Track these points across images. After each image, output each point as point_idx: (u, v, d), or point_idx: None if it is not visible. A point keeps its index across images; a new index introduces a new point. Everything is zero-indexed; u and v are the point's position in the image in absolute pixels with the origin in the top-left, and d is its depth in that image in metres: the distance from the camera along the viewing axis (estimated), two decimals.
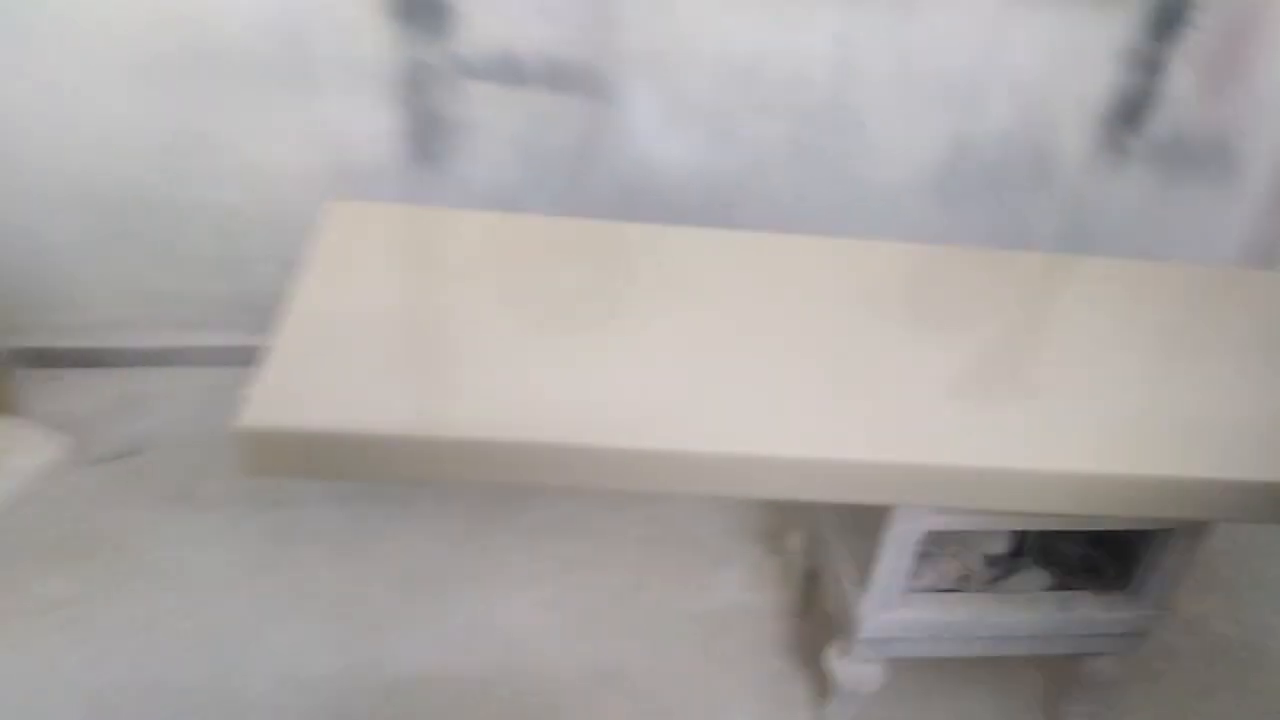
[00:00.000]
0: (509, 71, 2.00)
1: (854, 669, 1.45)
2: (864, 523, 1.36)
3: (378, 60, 1.92)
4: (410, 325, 1.23)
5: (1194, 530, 1.33)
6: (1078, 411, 1.26)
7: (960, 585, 1.43)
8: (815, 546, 1.62)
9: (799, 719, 1.59)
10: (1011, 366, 1.36)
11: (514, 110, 2.05)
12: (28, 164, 1.91)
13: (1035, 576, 1.46)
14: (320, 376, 1.08)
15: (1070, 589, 1.45)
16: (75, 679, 1.50)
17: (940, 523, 1.29)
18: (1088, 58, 2.13)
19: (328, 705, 1.50)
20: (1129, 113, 2.21)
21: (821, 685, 1.56)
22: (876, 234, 2.24)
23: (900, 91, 2.12)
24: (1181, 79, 2.16)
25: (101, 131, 1.91)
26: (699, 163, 2.17)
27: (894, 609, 1.37)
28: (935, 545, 1.41)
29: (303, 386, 1.07)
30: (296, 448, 1.02)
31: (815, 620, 1.71)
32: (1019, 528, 1.36)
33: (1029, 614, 1.41)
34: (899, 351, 1.31)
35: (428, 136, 2.05)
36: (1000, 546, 1.46)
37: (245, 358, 2.10)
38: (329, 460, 1.04)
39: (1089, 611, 1.42)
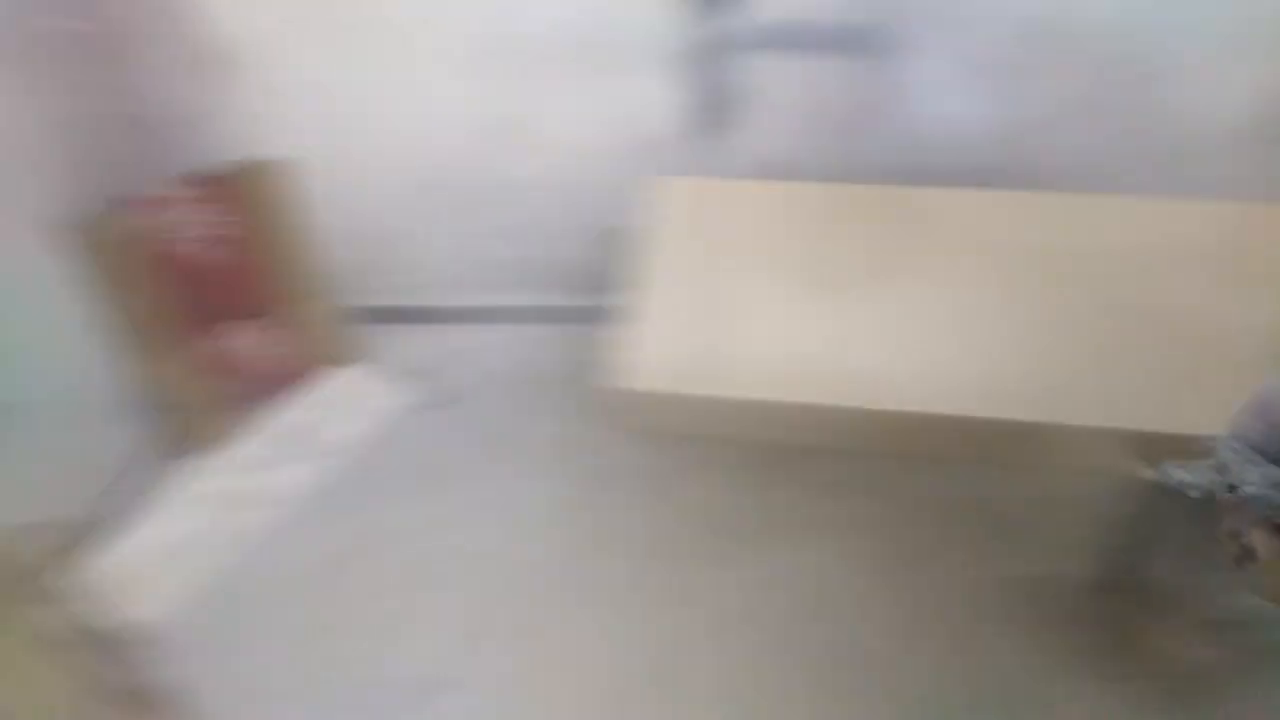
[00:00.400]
0: (796, 38, 2.06)
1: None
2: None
3: (669, 39, 2.04)
4: (751, 299, 1.33)
5: None
6: None
7: None
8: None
9: (1115, 695, 1.58)
10: None
11: (800, 76, 2.11)
12: (376, 150, 2.20)
13: None
14: (681, 346, 1.21)
15: None
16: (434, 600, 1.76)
17: None
18: None
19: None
20: None
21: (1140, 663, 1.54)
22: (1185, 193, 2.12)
23: (1206, 41, 1.98)
24: None
25: (434, 118, 2.17)
26: (990, 121, 2.13)
27: None
28: None
29: (670, 352, 1.20)
30: (667, 407, 1.15)
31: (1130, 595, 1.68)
32: None
33: None
34: (1214, 314, 1.25)
35: (716, 108, 2.15)
36: None
37: (554, 316, 2.36)
38: (695, 419, 1.16)
39: None
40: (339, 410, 2.12)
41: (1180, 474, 1.26)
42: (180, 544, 1.80)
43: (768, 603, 1.72)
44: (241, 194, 1.98)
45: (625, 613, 1.72)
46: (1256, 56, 2.00)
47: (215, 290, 2.00)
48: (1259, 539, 1.24)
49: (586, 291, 2.25)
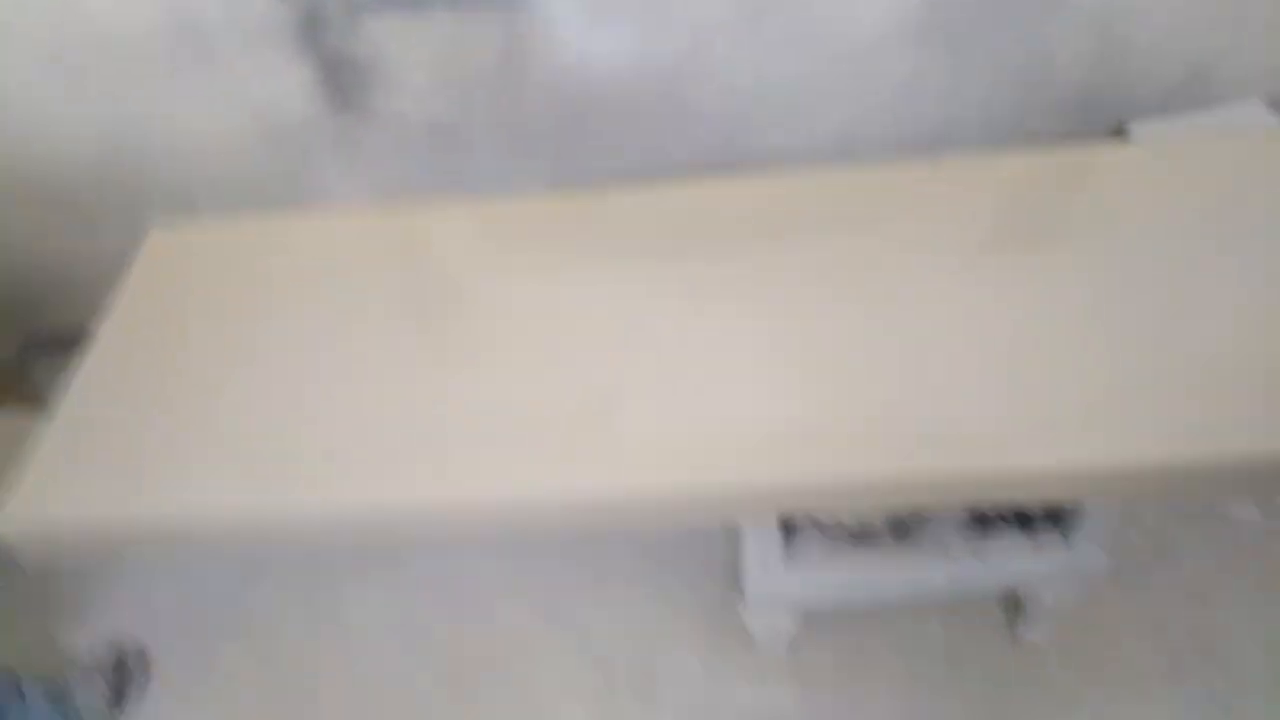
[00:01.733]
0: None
1: (760, 620, 1.41)
2: None
3: (270, 16, 1.84)
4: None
5: None
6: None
7: (864, 534, 1.33)
8: None
9: (737, 647, 1.56)
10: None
11: (425, 38, 1.93)
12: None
13: (951, 522, 1.33)
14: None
15: (993, 532, 1.32)
16: None
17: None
18: None
19: None
20: None
21: None
22: (858, 102, 2.00)
23: None
24: None
25: (46, 133, 1.97)
26: (637, 56, 1.97)
27: (776, 572, 1.30)
28: None
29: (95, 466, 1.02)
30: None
31: None
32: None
33: (937, 564, 1.30)
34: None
35: (342, 83, 1.97)
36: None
37: None
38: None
39: (1007, 557, 1.29)
40: None
41: None
42: None
43: None
44: None
45: None
46: None
47: None
48: None
49: None
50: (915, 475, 0.89)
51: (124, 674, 1.62)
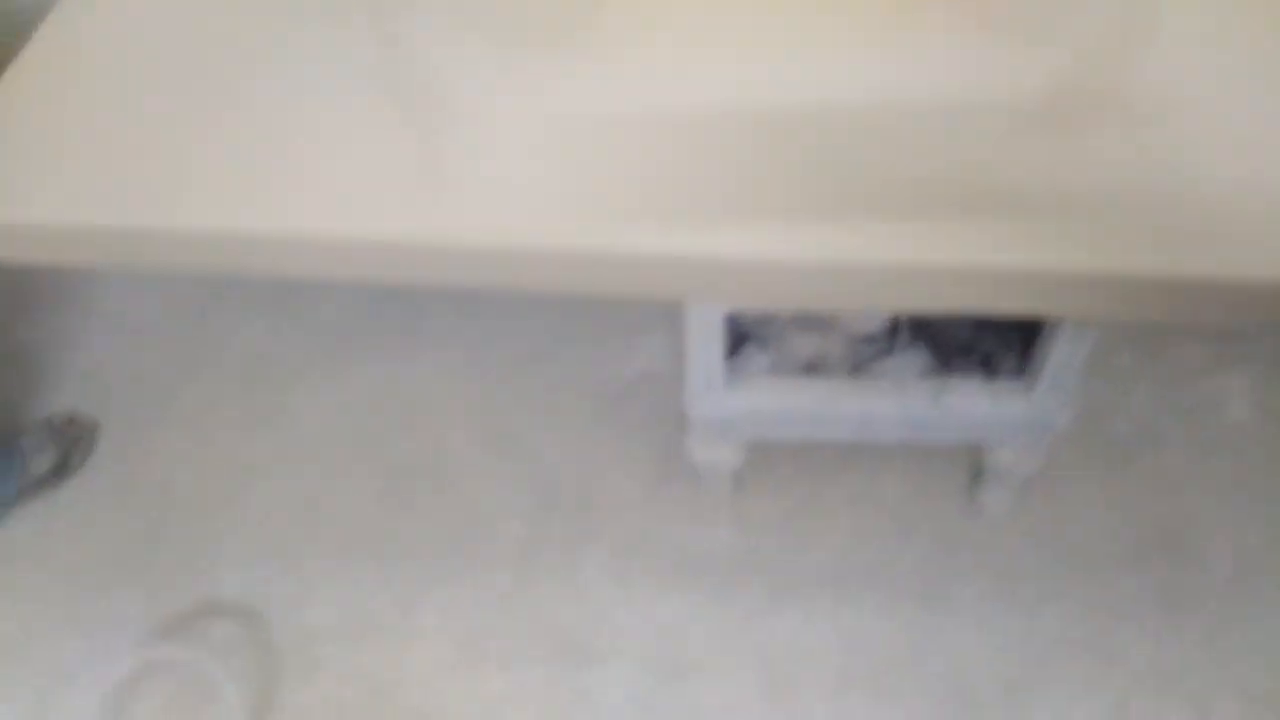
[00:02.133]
0: None
1: (702, 449, 1.35)
2: None
3: None
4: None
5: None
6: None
7: (816, 365, 1.26)
8: None
9: (681, 486, 1.51)
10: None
11: None
12: None
13: (913, 359, 1.25)
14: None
15: (954, 374, 1.23)
16: None
17: (743, 304, 1.11)
18: None
19: None
20: None
21: None
22: None
23: None
24: None
25: None
26: None
27: (718, 394, 1.23)
28: (788, 321, 1.23)
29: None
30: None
31: None
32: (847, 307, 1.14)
33: (891, 402, 1.22)
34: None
35: None
36: (873, 325, 1.25)
37: None
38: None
39: (965, 402, 1.21)
40: None
41: None
42: None
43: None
44: None
45: None
46: None
47: None
48: None
49: None
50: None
51: (72, 445, 1.61)
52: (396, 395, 1.68)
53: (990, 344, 1.21)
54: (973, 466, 1.46)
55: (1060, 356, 1.12)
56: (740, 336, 1.24)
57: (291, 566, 1.48)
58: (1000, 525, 1.44)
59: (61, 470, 1.58)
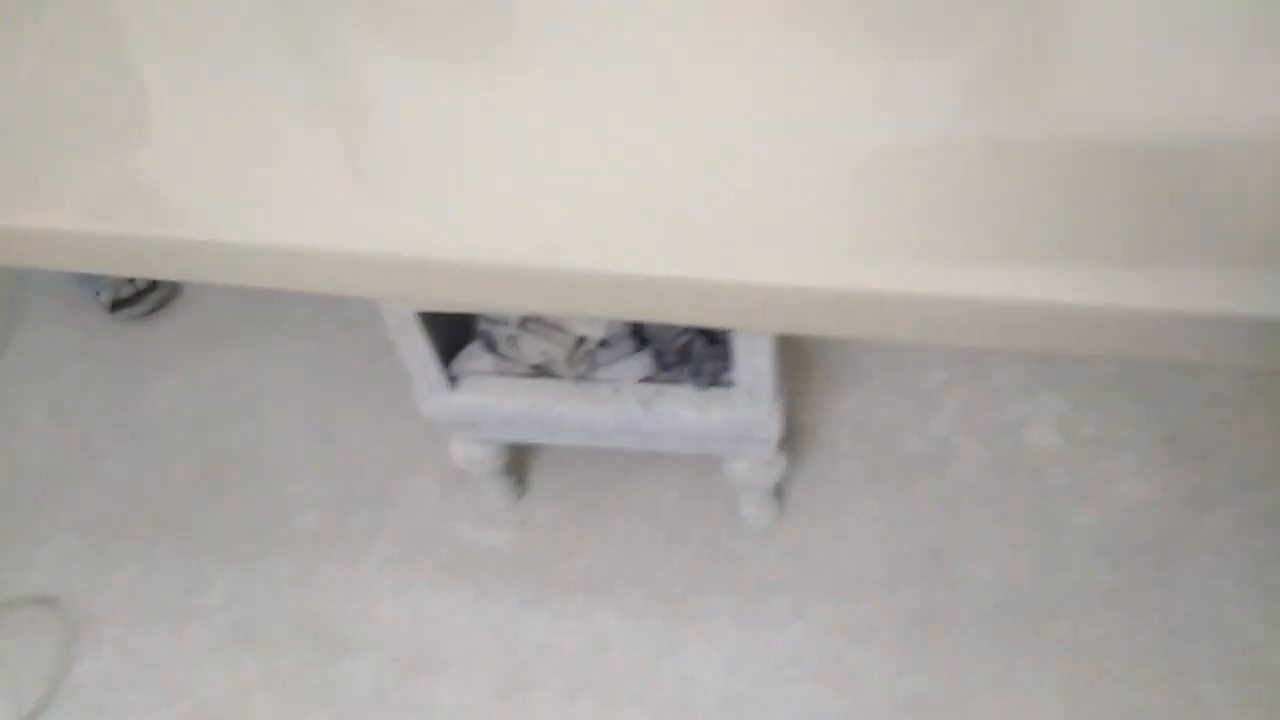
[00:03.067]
0: None
1: (458, 447, 1.38)
2: None
3: None
4: None
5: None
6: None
7: (543, 370, 1.27)
8: None
9: (471, 490, 1.54)
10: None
11: None
12: None
13: (636, 364, 1.25)
14: None
15: (669, 382, 1.23)
16: None
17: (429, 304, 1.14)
18: None
19: None
20: None
21: None
22: None
23: None
24: None
25: None
26: None
27: (441, 394, 1.26)
28: (513, 324, 1.25)
29: None
30: None
31: None
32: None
33: (608, 407, 1.23)
34: None
35: None
36: (595, 330, 1.26)
37: None
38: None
39: (674, 408, 1.21)
40: None
41: None
42: None
43: None
44: None
45: None
46: None
47: None
48: None
49: None
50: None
51: None
52: (241, 384, 1.75)
53: (701, 352, 1.21)
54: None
55: (746, 365, 1.12)
56: (465, 336, 1.26)
57: (96, 547, 1.57)
58: (765, 539, 1.42)
59: None
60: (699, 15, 0.85)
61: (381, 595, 1.47)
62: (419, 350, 1.19)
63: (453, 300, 0.97)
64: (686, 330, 1.22)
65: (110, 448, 1.69)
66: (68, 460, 1.68)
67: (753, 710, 1.27)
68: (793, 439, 1.51)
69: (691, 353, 1.22)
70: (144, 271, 0.89)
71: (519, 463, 1.53)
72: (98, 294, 1.83)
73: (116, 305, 1.83)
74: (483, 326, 1.26)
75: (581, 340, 1.24)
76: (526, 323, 1.26)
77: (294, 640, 1.43)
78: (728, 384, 1.20)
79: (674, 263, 0.73)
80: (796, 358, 1.59)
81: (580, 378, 1.26)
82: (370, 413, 1.66)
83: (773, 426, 1.19)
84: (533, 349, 1.26)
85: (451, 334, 1.25)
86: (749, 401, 1.16)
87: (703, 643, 1.34)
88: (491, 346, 1.26)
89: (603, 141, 0.77)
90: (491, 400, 1.25)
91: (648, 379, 1.24)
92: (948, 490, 1.44)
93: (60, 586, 1.53)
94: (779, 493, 1.42)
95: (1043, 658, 1.26)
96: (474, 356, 1.26)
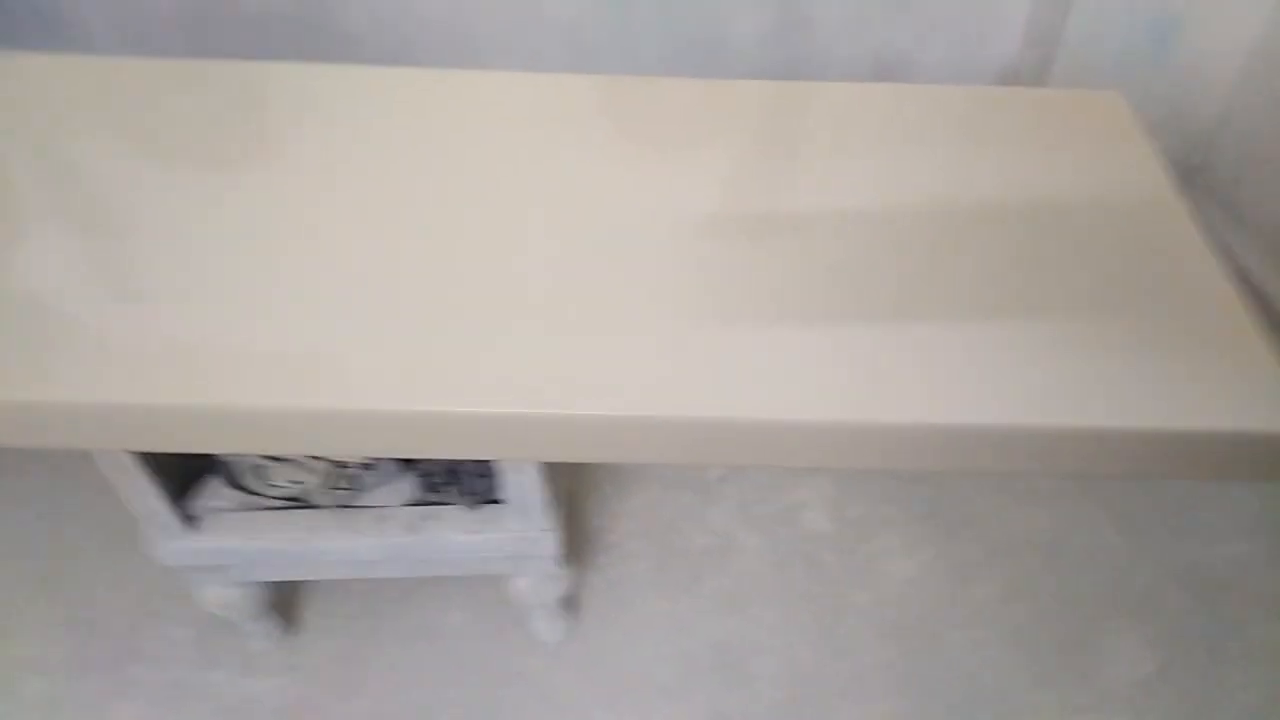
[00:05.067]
0: None
1: (208, 594, 1.24)
2: None
3: None
4: None
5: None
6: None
7: (299, 500, 1.17)
8: None
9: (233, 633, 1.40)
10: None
11: None
12: None
13: (399, 488, 1.18)
14: None
15: (436, 503, 1.17)
16: None
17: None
18: None
19: None
20: None
21: None
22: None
23: None
24: None
25: None
26: None
27: (177, 538, 1.13)
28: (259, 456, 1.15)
29: None
30: None
31: None
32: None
33: (369, 539, 1.15)
34: None
35: None
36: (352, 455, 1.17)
37: None
38: None
39: (445, 533, 1.14)
40: None
41: None
42: None
43: None
44: None
45: None
46: None
47: None
48: None
49: None
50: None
51: None
52: None
53: (470, 469, 1.16)
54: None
55: (514, 482, 1.07)
56: (202, 469, 1.15)
57: None
58: (557, 653, 1.37)
59: None
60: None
61: None
62: (143, 491, 1.07)
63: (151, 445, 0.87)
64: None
65: None
66: None
67: None
68: (579, 544, 1.48)
69: (459, 472, 1.16)
70: None
71: (285, 599, 1.41)
72: None
73: None
74: (224, 457, 1.16)
75: (341, 466, 1.16)
76: (269, 459, 1.17)
77: None
78: (500, 501, 1.15)
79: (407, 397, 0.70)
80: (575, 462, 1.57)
81: (341, 505, 1.17)
82: (107, 554, 1.49)
83: (549, 543, 1.15)
84: (284, 478, 1.16)
85: (186, 465, 1.14)
86: (522, 518, 1.12)
87: None
88: (235, 480, 1.16)
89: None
90: (239, 541, 1.14)
91: (415, 502, 1.17)
92: (731, 583, 1.44)
93: None
94: (569, 603, 1.37)
95: None
96: (214, 493, 1.15)
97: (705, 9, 1.84)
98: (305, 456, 1.15)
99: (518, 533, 1.14)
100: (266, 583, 1.28)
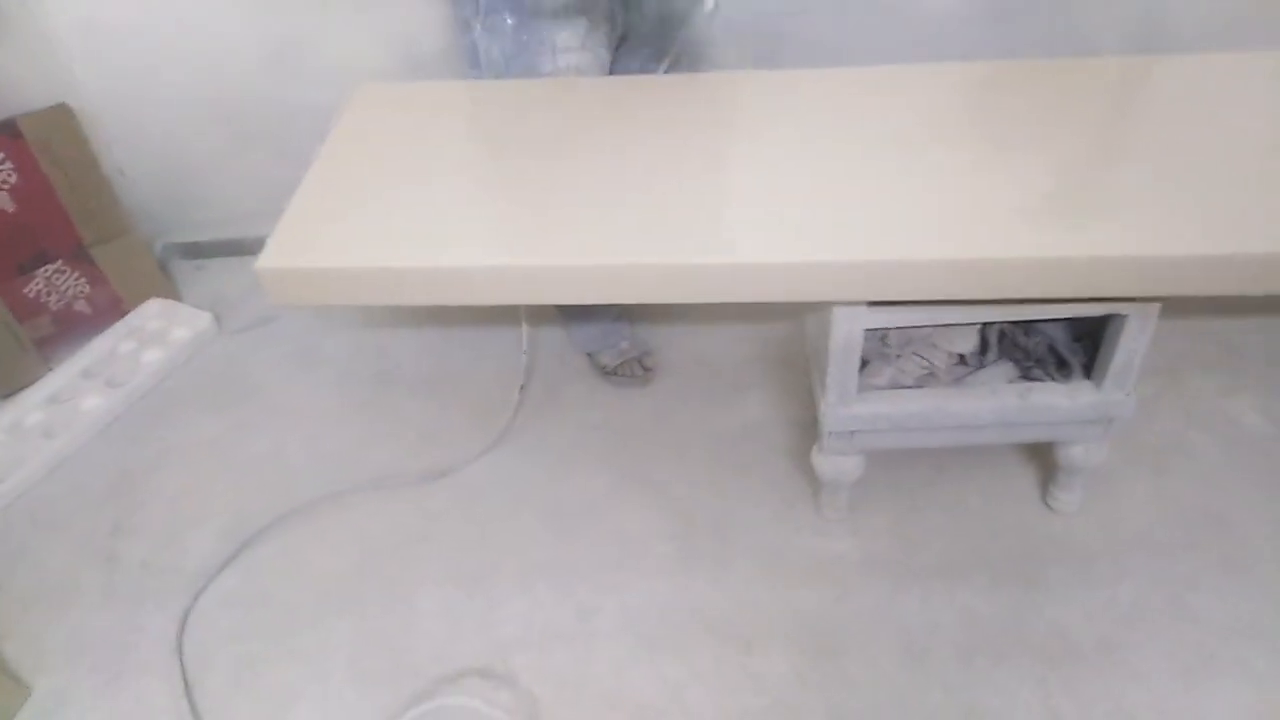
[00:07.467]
0: None
1: (829, 461, 1.63)
2: (825, 326, 1.49)
3: None
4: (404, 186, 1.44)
5: (1144, 313, 1.38)
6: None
7: (924, 382, 1.56)
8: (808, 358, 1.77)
9: (802, 510, 1.78)
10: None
11: None
12: (165, 81, 2.29)
13: (1001, 370, 1.56)
14: (323, 228, 1.35)
15: (1034, 380, 1.54)
16: (221, 496, 1.93)
17: (878, 320, 1.42)
18: None
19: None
20: None
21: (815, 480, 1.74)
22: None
23: None
24: None
25: (217, 48, 2.27)
26: (732, 9, 2.24)
27: (851, 404, 1.53)
28: (900, 346, 1.55)
29: (310, 234, 1.34)
30: (302, 281, 1.31)
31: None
32: (958, 321, 1.46)
33: (988, 403, 1.53)
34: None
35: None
36: (967, 345, 1.57)
37: None
38: (330, 290, 1.32)
39: (1047, 399, 1.52)
40: (147, 341, 2.26)
41: None
42: None
43: None
44: (30, 142, 2.08)
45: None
46: None
47: (17, 236, 2.12)
48: None
49: None
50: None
51: None
52: (548, 451, 1.95)
53: (1063, 351, 1.53)
54: (1044, 473, 1.75)
55: (1122, 355, 1.44)
56: (863, 360, 1.55)
57: None
58: (1070, 522, 1.72)
59: None
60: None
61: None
62: (848, 364, 1.47)
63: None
64: (1047, 336, 1.55)
65: None
66: None
67: None
68: None
69: (1045, 360, 1.54)
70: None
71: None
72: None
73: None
74: (869, 350, 1.55)
75: (960, 357, 1.55)
76: (905, 347, 1.56)
77: None
78: (1086, 374, 1.52)
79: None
80: None
81: (955, 385, 1.56)
82: (678, 462, 1.89)
83: (1127, 406, 1.51)
84: (915, 365, 1.56)
85: None
86: (1113, 387, 1.49)
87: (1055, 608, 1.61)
88: (886, 364, 1.55)
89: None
90: (892, 408, 1.53)
91: (1014, 380, 1.55)
92: (1199, 469, 1.79)
93: None
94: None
95: None
96: (877, 371, 1.55)
97: None
98: (930, 348, 1.55)
99: (1107, 397, 1.50)
100: (867, 459, 1.65)
